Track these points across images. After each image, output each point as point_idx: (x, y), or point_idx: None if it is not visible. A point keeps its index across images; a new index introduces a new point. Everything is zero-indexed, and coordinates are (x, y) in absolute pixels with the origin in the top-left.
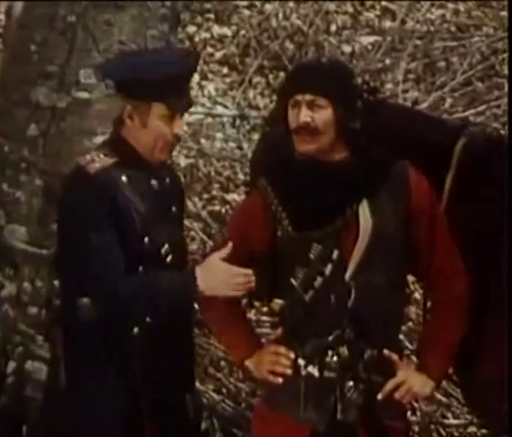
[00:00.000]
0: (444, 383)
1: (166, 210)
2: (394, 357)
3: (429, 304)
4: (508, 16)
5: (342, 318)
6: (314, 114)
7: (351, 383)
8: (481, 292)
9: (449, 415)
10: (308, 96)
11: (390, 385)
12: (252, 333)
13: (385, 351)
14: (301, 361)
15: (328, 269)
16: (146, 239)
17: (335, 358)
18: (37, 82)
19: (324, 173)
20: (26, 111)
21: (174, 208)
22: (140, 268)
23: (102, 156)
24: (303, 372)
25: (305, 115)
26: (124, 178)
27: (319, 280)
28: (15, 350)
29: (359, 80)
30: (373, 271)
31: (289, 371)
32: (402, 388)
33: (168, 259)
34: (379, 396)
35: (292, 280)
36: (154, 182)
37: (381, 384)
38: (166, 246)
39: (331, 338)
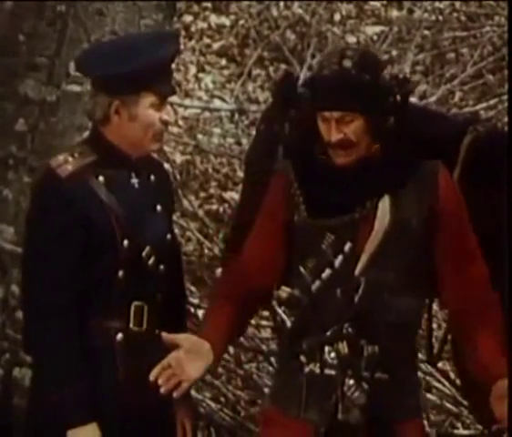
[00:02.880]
0: (453, 392)
1: (149, 210)
2: None
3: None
4: (508, 14)
5: (345, 313)
6: (345, 128)
7: (351, 382)
8: None
9: (459, 425)
10: (336, 114)
11: None
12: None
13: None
14: (302, 358)
15: (338, 260)
16: (125, 243)
17: (333, 354)
18: (26, 74)
19: (348, 165)
20: (14, 105)
21: (159, 208)
22: (120, 273)
23: (77, 155)
24: (306, 370)
25: (336, 133)
26: (101, 179)
27: (327, 272)
28: (3, 357)
29: (387, 76)
30: (386, 268)
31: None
32: None
33: (151, 261)
34: None
35: (302, 269)
36: (134, 180)
37: (386, 383)
38: (147, 248)
39: (329, 333)
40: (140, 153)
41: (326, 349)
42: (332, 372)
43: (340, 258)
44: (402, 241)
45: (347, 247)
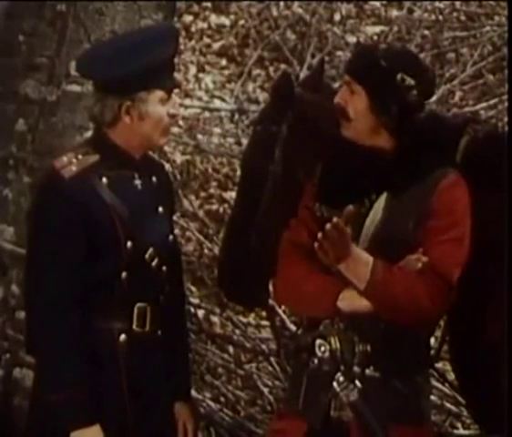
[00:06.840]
0: (453, 392)
1: (151, 212)
2: None
3: None
4: (508, 14)
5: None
6: (350, 98)
7: (342, 378)
8: (486, 295)
9: (459, 425)
10: (347, 77)
11: None
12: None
13: None
14: (304, 355)
15: None
16: (129, 244)
17: (323, 348)
18: (26, 74)
19: (357, 156)
20: (14, 105)
21: (161, 209)
22: (124, 274)
23: (81, 156)
24: (307, 365)
25: (340, 96)
26: (104, 180)
27: None
28: (3, 357)
29: (399, 76)
30: None
31: None
32: None
33: (154, 263)
34: None
35: None
36: (137, 182)
37: (379, 383)
38: (151, 250)
39: (321, 327)
40: (148, 150)
41: (317, 342)
42: (327, 368)
43: None
44: (392, 243)
45: None
